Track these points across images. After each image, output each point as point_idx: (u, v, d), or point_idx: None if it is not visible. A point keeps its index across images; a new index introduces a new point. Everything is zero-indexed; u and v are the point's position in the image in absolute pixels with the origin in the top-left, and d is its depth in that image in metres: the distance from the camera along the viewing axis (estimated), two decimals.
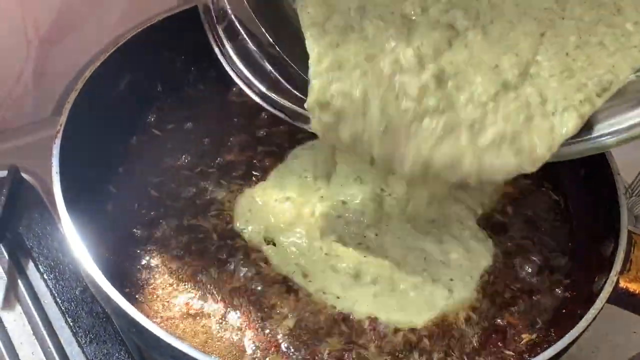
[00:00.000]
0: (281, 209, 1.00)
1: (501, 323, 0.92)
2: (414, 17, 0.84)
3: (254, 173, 1.06)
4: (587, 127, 0.80)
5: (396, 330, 0.91)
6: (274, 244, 0.97)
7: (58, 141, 0.92)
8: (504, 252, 1.00)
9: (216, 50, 0.93)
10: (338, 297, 0.93)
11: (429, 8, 0.85)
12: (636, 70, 0.81)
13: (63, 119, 0.94)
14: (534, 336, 0.91)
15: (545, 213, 1.05)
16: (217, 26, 0.94)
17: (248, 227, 0.99)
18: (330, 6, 0.87)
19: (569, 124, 0.78)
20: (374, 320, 0.91)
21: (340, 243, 0.97)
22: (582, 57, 0.81)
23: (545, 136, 0.79)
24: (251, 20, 0.94)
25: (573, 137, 0.79)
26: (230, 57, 0.93)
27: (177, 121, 1.10)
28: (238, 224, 1.00)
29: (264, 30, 0.93)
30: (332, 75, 0.83)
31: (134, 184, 1.02)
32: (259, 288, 0.93)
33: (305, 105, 0.84)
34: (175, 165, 1.05)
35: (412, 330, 0.91)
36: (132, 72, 1.06)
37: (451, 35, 0.83)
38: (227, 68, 0.93)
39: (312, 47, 0.84)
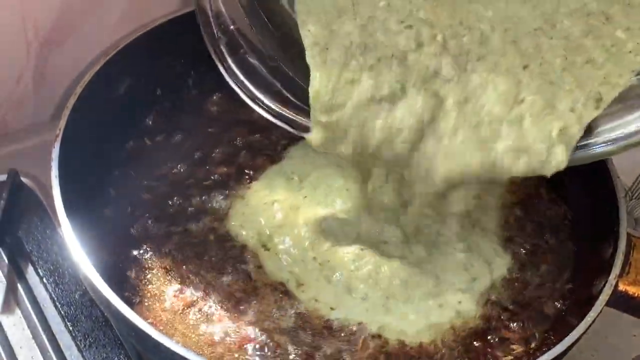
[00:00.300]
0: (270, 212, 1.00)
1: (499, 334, 0.91)
2: (408, 55, 0.85)
3: (250, 174, 1.05)
4: (587, 133, 0.80)
5: (383, 341, 0.90)
6: (267, 249, 0.97)
7: (57, 145, 0.92)
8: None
9: (218, 65, 0.94)
10: (332, 309, 0.92)
11: (424, 45, 0.85)
12: (637, 73, 0.81)
13: (62, 122, 0.94)
14: (532, 345, 0.91)
15: (547, 217, 1.05)
16: (219, 41, 0.94)
17: (242, 231, 0.99)
18: (331, 31, 0.87)
19: (557, 158, 0.80)
20: (362, 328, 0.90)
21: (335, 248, 0.95)
22: (569, 79, 0.81)
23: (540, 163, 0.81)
24: (251, 33, 0.94)
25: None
26: (233, 71, 0.93)
27: (177, 125, 1.10)
28: (233, 227, 0.99)
29: (261, 38, 0.94)
30: (332, 121, 0.86)
31: (133, 189, 1.02)
32: (254, 292, 0.93)
33: (307, 138, 0.88)
34: (173, 169, 1.05)
35: (402, 342, 0.90)
36: (131, 76, 1.06)
37: (435, 105, 0.84)
38: (231, 83, 0.93)
39: (313, 74, 0.86)
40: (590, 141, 0.81)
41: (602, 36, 0.83)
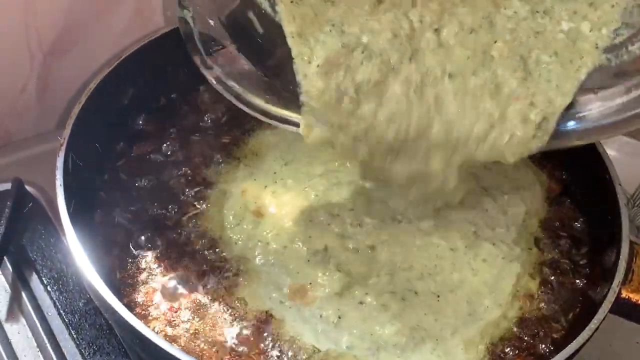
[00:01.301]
0: (223, 214, 0.98)
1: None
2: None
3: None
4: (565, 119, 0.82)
5: None
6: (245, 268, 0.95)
7: (62, 154, 0.92)
8: None
9: (210, 81, 0.95)
10: (316, 351, 0.87)
11: None
12: (604, 50, 0.81)
13: (67, 131, 0.94)
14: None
15: (551, 224, 1.04)
16: (208, 63, 0.95)
17: (218, 233, 0.97)
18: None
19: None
20: None
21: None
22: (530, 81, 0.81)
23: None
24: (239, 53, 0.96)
25: None
26: (225, 84, 0.94)
27: (177, 131, 1.10)
28: (211, 231, 0.98)
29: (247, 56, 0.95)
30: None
31: (137, 196, 1.02)
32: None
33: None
34: (174, 173, 1.04)
35: None
36: (135, 84, 1.07)
37: None
38: (224, 94, 0.95)
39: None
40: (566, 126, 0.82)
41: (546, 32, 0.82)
